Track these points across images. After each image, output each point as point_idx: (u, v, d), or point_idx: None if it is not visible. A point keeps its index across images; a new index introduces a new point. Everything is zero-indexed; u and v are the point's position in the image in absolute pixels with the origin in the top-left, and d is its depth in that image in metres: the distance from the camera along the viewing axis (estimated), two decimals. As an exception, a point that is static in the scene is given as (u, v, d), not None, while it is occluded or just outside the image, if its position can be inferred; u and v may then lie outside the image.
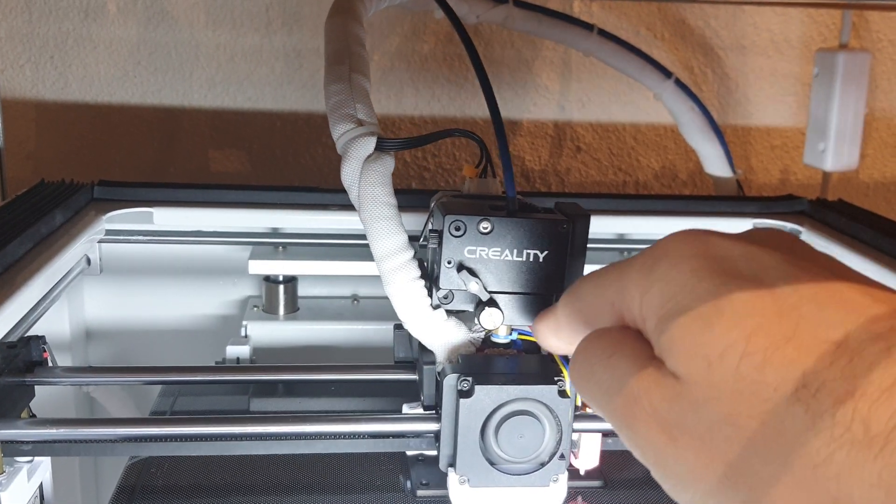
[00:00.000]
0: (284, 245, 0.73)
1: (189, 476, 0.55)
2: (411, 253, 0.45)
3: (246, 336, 0.73)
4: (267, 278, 0.75)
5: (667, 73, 0.87)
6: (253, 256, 0.72)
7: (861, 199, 1.08)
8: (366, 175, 0.45)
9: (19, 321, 0.54)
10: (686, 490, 0.24)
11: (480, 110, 1.00)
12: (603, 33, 0.86)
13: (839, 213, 0.76)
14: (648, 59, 0.86)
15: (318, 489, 0.54)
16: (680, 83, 0.87)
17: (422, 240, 0.45)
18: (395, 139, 0.47)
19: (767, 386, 0.22)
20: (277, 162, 0.99)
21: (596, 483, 0.55)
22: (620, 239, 0.78)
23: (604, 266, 0.29)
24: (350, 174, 0.46)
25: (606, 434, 0.47)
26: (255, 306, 0.76)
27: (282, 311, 0.75)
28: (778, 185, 1.08)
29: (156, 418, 0.54)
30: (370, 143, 0.46)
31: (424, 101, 1.00)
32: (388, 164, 0.46)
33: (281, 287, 0.75)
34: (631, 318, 0.27)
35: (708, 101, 1.00)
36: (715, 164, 0.91)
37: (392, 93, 0.99)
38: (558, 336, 0.33)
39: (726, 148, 0.90)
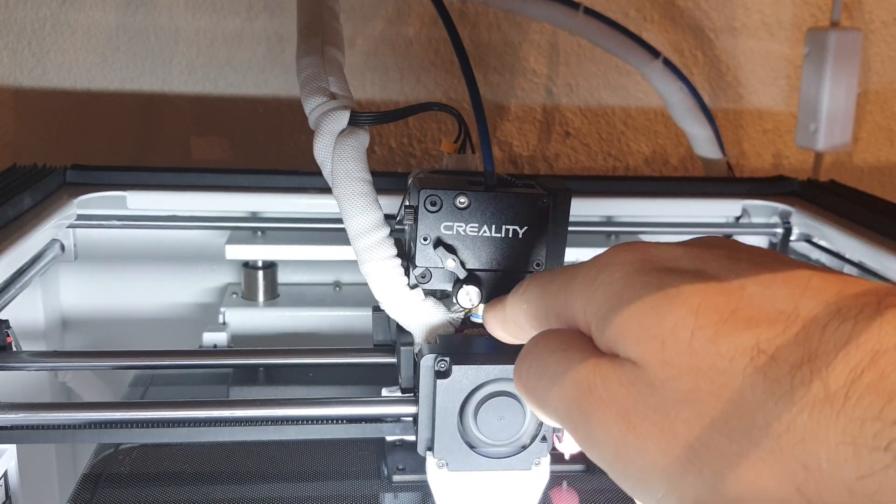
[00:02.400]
0: (263, 229, 0.72)
1: (158, 464, 0.53)
2: (387, 230, 0.43)
3: (224, 323, 0.71)
4: (246, 264, 0.74)
5: (655, 53, 0.85)
6: (230, 241, 0.70)
7: (855, 183, 1.06)
8: (339, 150, 0.43)
9: (-16, 305, 0.53)
10: (648, 485, 0.23)
11: (467, 95, 0.99)
12: (589, 12, 0.84)
13: (830, 194, 0.75)
14: (636, 39, 0.85)
15: (292, 476, 0.53)
16: (668, 63, 0.86)
17: (398, 217, 0.44)
18: (369, 113, 0.45)
19: (723, 357, 0.22)
20: (260, 148, 0.97)
21: (578, 467, 0.53)
22: (608, 221, 0.76)
23: (550, 270, 0.29)
24: (323, 149, 0.44)
25: None
26: (234, 293, 0.74)
27: (261, 297, 0.73)
28: (770, 169, 1.06)
29: (125, 402, 0.53)
30: (343, 117, 0.44)
31: (410, 85, 0.98)
32: (362, 138, 0.44)
33: (260, 273, 0.73)
34: (576, 325, 0.27)
35: (698, 84, 0.99)
36: (704, 145, 0.89)
37: (377, 77, 0.97)
38: (504, 329, 0.33)
39: (716, 129, 0.88)
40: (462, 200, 0.40)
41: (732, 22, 1.01)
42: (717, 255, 0.25)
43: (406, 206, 0.43)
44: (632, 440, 0.23)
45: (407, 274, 0.43)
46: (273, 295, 0.74)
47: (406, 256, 0.43)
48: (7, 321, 0.48)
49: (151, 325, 0.75)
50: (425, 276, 0.42)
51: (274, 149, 0.97)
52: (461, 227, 0.41)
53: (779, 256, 0.25)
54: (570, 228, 0.73)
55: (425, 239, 0.41)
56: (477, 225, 0.41)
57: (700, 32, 1.01)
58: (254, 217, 0.72)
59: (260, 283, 0.73)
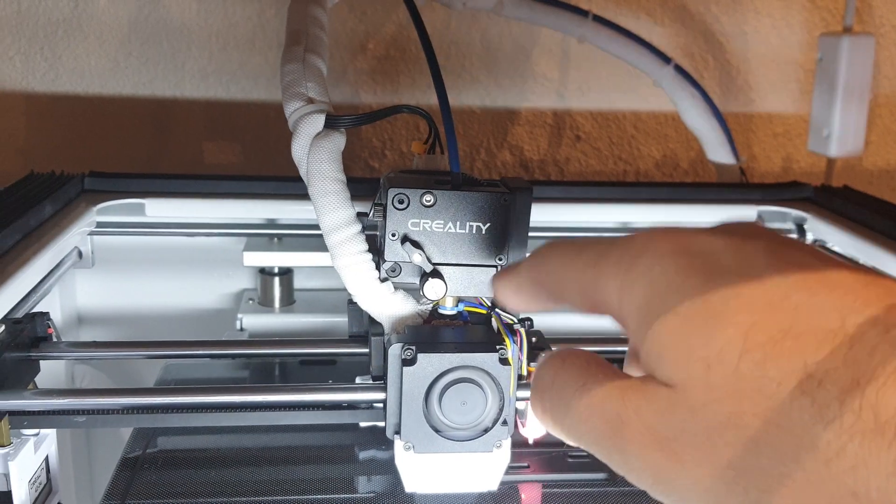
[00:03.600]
0: (280, 236, 0.72)
1: (191, 453, 0.55)
2: (358, 227, 0.45)
3: (241, 329, 0.71)
4: (262, 270, 0.74)
5: (665, 59, 0.86)
6: (247, 248, 0.71)
7: (865, 187, 1.06)
8: (314, 151, 0.46)
9: (7, 313, 0.53)
10: None
11: (478, 100, 0.99)
12: (599, 19, 0.84)
13: (844, 200, 0.75)
14: (646, 45, 0.85)
15: (311, 475, 0.54)
16: (679, 69, 0.86)
17: (370, 215, 0.46)
18: (344, 116, 0.47)
19: (771, 381, 0.21)
20: (272, 153, 0.98)
21: (600, 476, 0.54)
22: (623, 227, 0.76)
23: (572, 241, 0.28)
24: (299, 150, 0.47)
25: None
26: (251, 299, 0.75)
27: (277, 303, 0.74)
28: (781, 173, 1.06)
29: (160, 388, 0.55)
30: (319, 121, 0.47)
31: (420, 90, 0.98)
32: (336, 140, 0.47)
33: (276, 279, 0.73)
34: (606, 309, 0.26)
35: (709, 87, 0.99)
36: (717, 150, 0.89)
37: (388, 81, 0.98)
38: (519, 296, 0.32)
39: (729, 134, 0.88)
40: (428, 199, 0.43)
41: (743, 25, 1.01)
42: (759, 247, 0.24)
43: (376, 204, 0.45)
44: (674, 466, 0.23)
45: (378, 268, 0.45)
46: (289, 301, 0.74)
47: (377, 251, 0.46)
48: (47, 313, 0.50)
49: (169, 331, 0.75)
50: (395, 270, 0.44)
51: (285, 153, 0.97)
52: (427, 223, 0.43)
53: (816, 252, 0.25)
54: (584, 234, 0.74)
55: (393, 235, 0.43)
56: (442, 222, 0.43)
57: (711, 36, 1.01)
58: (270, 224, 0.72)
59: (276, 289, 0.74)
